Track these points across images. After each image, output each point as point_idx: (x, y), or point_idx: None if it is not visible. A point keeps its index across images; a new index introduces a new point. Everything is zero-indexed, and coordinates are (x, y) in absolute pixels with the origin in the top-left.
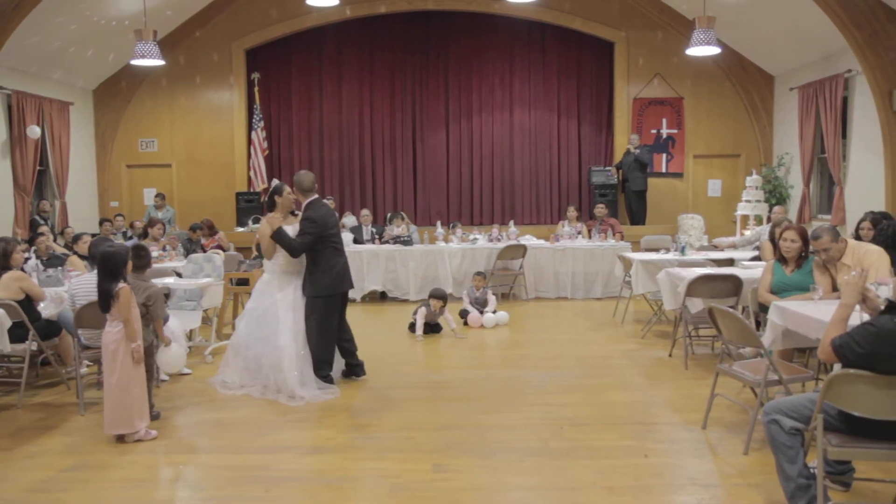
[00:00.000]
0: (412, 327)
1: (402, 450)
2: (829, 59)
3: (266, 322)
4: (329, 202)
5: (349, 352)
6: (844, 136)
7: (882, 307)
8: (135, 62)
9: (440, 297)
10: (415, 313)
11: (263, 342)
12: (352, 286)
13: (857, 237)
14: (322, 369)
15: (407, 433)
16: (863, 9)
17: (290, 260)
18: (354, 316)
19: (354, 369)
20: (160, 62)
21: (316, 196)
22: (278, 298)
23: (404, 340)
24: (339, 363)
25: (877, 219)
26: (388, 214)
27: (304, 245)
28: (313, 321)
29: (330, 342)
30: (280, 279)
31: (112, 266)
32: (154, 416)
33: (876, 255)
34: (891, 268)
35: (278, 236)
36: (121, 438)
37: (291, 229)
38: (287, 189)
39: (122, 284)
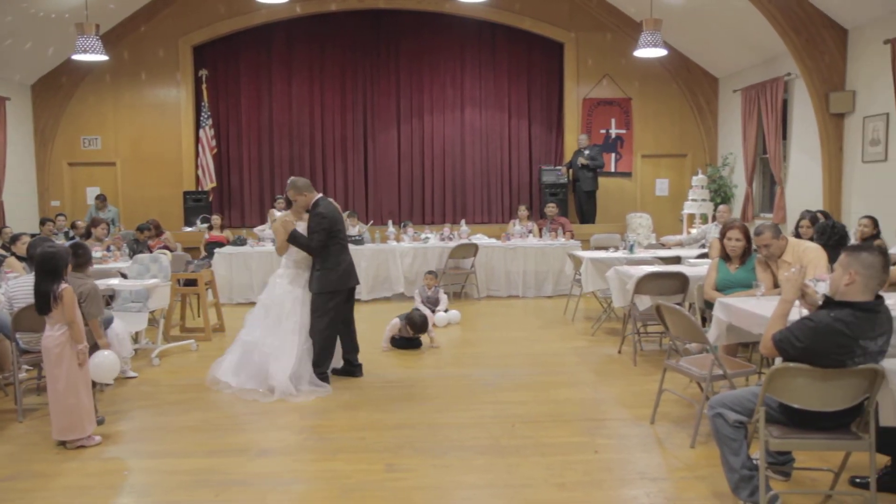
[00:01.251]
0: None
1: (353, 450)
2: (770, 62)
3: (272, 314)
4: (279, 202)
5: (354, 350)
6: (785, 137)
7: (820, 302)
8: (76, 57)
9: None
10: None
11: (266, 332)
12: (358, 282)
13: (797, 235)
14: (321, 366)
15: (359, 433)
16: (801, 15)
17: (305, 256)
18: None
19: (354, 369)
20: (103, 57)
21: (321, 195)
22: (288, 291)
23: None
24: (335, 360)
25: (815, 217)
26: (346, 213)
27: (321, 241)
28: (320, 317)
29: (333, 339)
30: (293, 273)
31: (53, 267)
32: (98, 422)
33: (814, 252)
34: (828, 264)
35: (293, 239)
36: (63, 445)
37: (302, 227)
38: (295, 188)
39: (64, 285)
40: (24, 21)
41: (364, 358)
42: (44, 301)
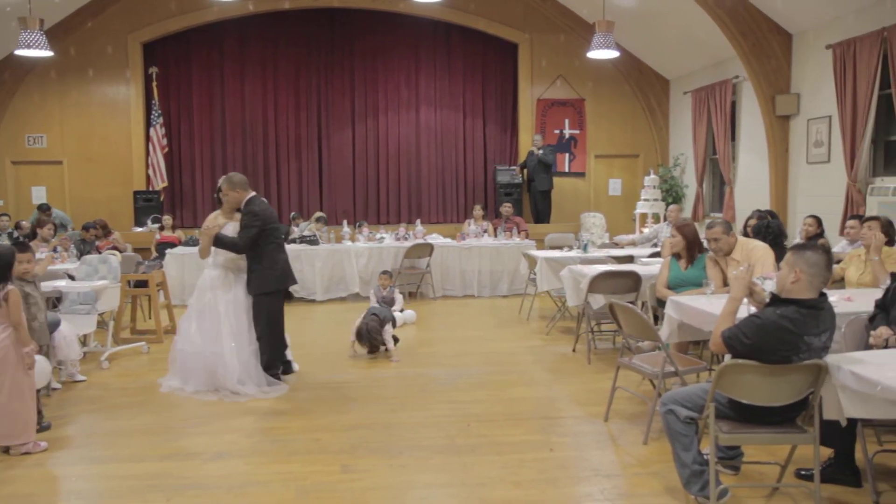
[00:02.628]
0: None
1: (308, 452)
2: (719, 65)
3: (207, 319)
4: None
5: (284, 346)
6: (734, 138)
7: (767, 300)
8: (19, 52)
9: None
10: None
11: (205, 339)
12: (295, 282)
13: (745, 234)
14: (272, 367)
15: (314, 435)
16: (747, 20)
17: (233, 257)
18: None
19: (286, 366)
20: (48, 53)
21: (255, 193)
22: (219, 296)
23: (311, 342)
24: None
25: (762, 216)
26: (317, 215)
27: (249, 239)
28: (262, 319)
29: (280, 339)
30: (223, 277)
31: None
32: (44, 427)
33: (762, 250)
34: (775, 263)
35: (218, 241)
36: (6, 452)
37: (233, 227)
38: (230, 183)
39: (9, 286)
40: None
41: (319, 359)
42: None
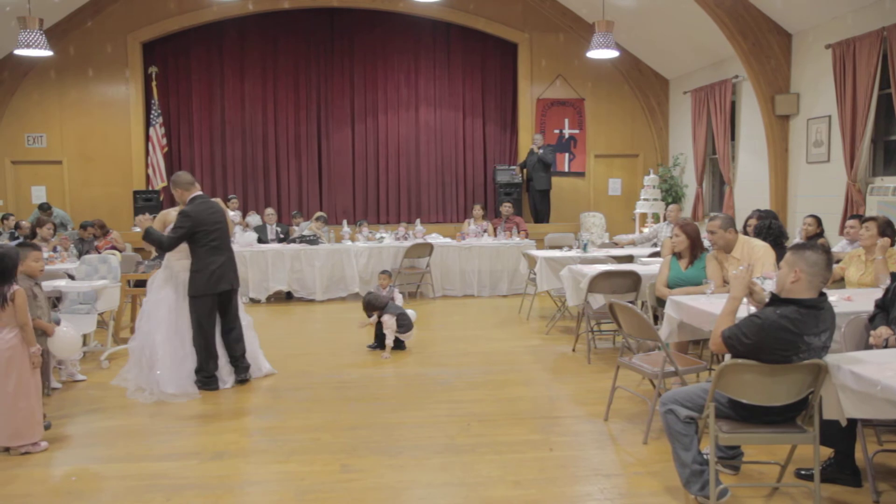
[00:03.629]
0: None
1: (308, 451)
2: (719, 65)
3: (147, 318)
4: (233, 201)
5: (232, 356)
6: (733, 137)
7: (767, 300)
8: (18, 52)
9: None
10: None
11: (144, 338)
12: (230, 286)
13: (745, 233)
14: (202, 370)
15: (314, 434)
16: (747, 20)
17: (174, 257)
18: (259, 316)
19: (237, 373)
20: (47, 53)
21: (199, 193)
22: (160, 296)
23: (310, 341)
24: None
25: (762, 216)
26: (317, 214)
27: (173, 239)
28: (193, 321)
29: (206, 343)
30: (164, 276)
31: (3, 268)
32: (45, 427)
33: (762, 250)
34: (776, 263)
35: (146, 235)
36: (6, 451)
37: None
38: (173, 183)
39: (16, 286)
40: None
41: (318, 359)
42: None
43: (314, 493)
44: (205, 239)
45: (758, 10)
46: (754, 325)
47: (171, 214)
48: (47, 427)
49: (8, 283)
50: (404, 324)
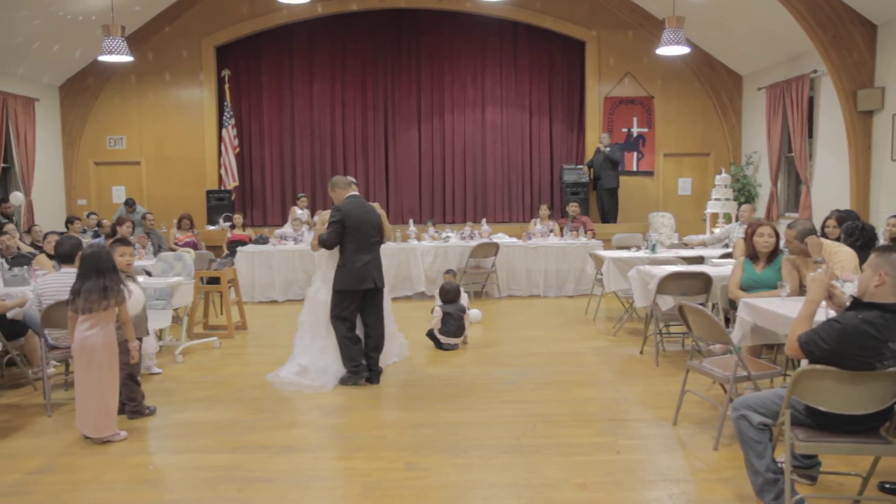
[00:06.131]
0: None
1: (373, 448)
2: (796, 59)
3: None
4: (301, 200)
5: (366, 354)
6: (811, 135)
7: (847, 304)
8: (102, 58)
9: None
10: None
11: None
12: (374, 285)
13: (823, 235)
14: (346, 363)
15: (379, 432)
16: (827, 11)
17: (323, 253)
18: None
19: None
20: (128, 58)
21: (354, 193)
22: (309, 291)
23: None
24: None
25: (842, 217)
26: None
27: (330, 234)
28: (332, 316)
29: (343, 338)
30: (324, 272)
31: (102, 267)
32: (150, 411)
33: (845, 255)
34: (858, 267)
35: (319, 234)
36: (89, 439)
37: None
38: (330, 184)
39: (131, 287)
40: (52, 24)
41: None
42: (100, 298)
43: (378, 489)
44: (354, 234)
45: (839, 1)
46: (834, 329)
47: (328, 213)
48: (152, 412)
49: (118, 282)
50: (450, 329)
